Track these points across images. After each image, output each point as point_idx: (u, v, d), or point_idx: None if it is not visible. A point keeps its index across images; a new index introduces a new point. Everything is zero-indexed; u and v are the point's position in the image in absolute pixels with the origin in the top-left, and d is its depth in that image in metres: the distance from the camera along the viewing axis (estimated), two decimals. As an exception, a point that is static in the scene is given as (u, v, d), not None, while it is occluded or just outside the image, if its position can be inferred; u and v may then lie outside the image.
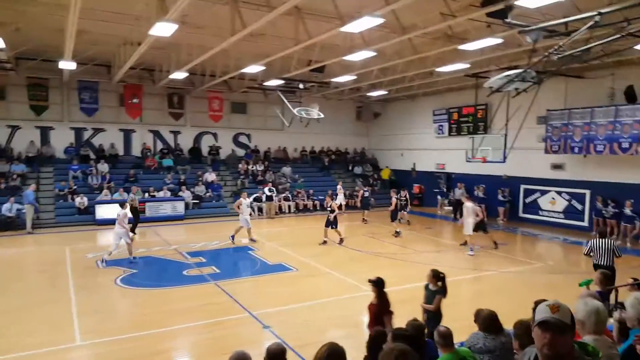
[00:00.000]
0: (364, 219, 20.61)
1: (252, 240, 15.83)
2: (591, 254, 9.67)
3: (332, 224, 15.76)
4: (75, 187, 20.44)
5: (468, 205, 14.69)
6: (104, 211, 19.35)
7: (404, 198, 19.27)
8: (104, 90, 22.49)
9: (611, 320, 4.87)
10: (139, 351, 7.32)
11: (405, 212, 19.38)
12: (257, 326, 8.24)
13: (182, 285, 10.89)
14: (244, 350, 3.99)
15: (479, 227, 14.75)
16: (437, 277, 6.72)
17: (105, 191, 20.33)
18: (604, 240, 9.69)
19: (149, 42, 13.14)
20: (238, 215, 16.09)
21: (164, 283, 11.17)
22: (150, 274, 12.29)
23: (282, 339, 7.26)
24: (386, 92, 24.39)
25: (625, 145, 15.99)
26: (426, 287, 6.86)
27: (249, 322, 8.48)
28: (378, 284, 6.26)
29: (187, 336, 8.19)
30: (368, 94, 25.15)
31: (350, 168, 29.10)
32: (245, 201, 16.08)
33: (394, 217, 17.69)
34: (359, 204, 21.77)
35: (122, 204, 13.78)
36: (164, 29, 11.47)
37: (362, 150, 30.94)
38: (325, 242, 15.63)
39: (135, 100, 23.04)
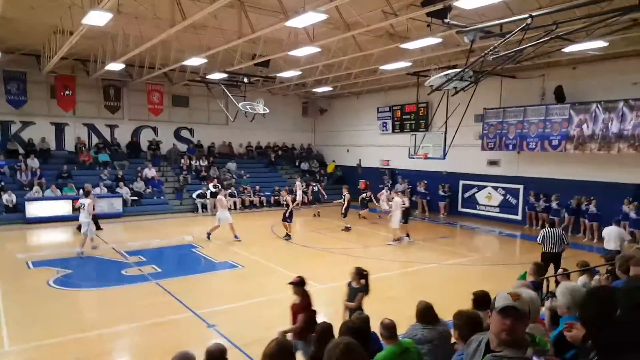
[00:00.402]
0: (314, 213, 21.16)
1: (208, 235, 15.40)
2: (542, 242, 10.33)
3: (287, 218, 15.90)
4: (2, 183, 19.16)
5: (397, 200, 15.25)
6: (35, 209, 18.35)
7: (368, 197, 19.97)
8: (32, 81, 21.17)
9: (543, 309, 5.15)
10: (74, 355, 6.96)
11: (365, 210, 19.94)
12: (201, 325, 8.08)
13: (120, 285, 10.49)
14: (187, 350, 3.91)
15: (404, 217, 15.32)
16: (360, 274, 6.65)
17: (36, 188, 19.18)
18: (553, 229, 10.46)
19: (82, 32, 12.50)
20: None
21: (101, 283, 10.73)
22: (86, 274, 11.75)
23: (227, 338, 7.19)
24: (331, 89, 24.60)
25: (554, 142, 16.96)
26: (349, 284, 6.80)
27: (193, 321, 8.30)
28: (299, 284, 6.08)
29: (127, 338, 7.90)
30: (314, 90, 25.23)
31: (297, 164, 29.09)
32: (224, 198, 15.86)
33: (345, 213, 17.87)
34: (309, 199, 22.26)
35: (86, 194, 13.91)
36: (97, 18, 10.96)
37: (308, 146, 31.00)
38: (288, 235, 15.86)
39: (67, 92, 21.88)
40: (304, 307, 5.91)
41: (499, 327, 2.36)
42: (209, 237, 15.30)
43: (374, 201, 20.24)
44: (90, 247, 13.40)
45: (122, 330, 8.02)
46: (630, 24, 10.81)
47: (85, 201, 13.37)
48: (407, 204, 15.52)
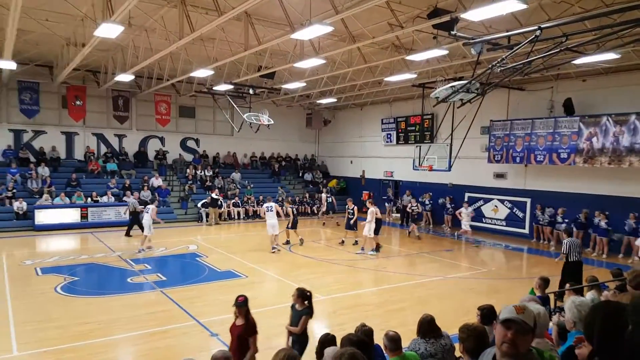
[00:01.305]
0: (324, 222, 21.99)
1: (273, 248, 15.19)
2: (569, 252, 10.29)
3: (293, 225, 16.23)
4: (14, 191, 19.38)
5: (372, 210, 15.23)
6: (44, 216, 18.57)
7: (416, 207, 19.01)
8: (45, 91, 21.55)
9: (551, 324, 5.07)
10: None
11: (415, 226, 18.97)
12: (204, 334, 8.06)
13: (126, 293, 10.51)
14: (192, 358, 3.90)
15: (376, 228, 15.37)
16: (304, 296, 6.17)
17: (45, 196, 19.39)
18: (574, 239, 10.56)
19: (94, 44, 12.69)
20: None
21: (107, 291, 10.74)
22: (93, 281, 11.85)
23: (229, 347, 7.12)
24: (335, 100, 24.68)
25: (563, 155, 16.78)
26: (292, 307, 6.28)
27: (196, 330, 8.28)
28: (244, 305, 5.56)
29: (131, 345, 7.88)
30: (318, 101, 25.34)
31: (300, 174, 29.13)
32: (265, 205, 15.80)
33: (350, 226, 16.94)
34: (324, 209, 22.92)
35: (152, 200, 16.63)
36: (109, 31, 11.08)
37: (312, 156, 31.07)
38: (288, 241, 16.26)
39: (78, 103, 22.20)
40: (249, 329, 5.47)
41: (500, 338, 2.36)
42: (275, 249, 15.34)
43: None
44: (147, 247, 14.86)
45: (127, 337, 8.01)
46: (641, 36, 10.73)
47: (149, 207, 15.19)
48: (379, 215, 15.45)
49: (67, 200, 19.53)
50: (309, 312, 6.12)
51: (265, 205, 15.82)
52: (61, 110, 22.37)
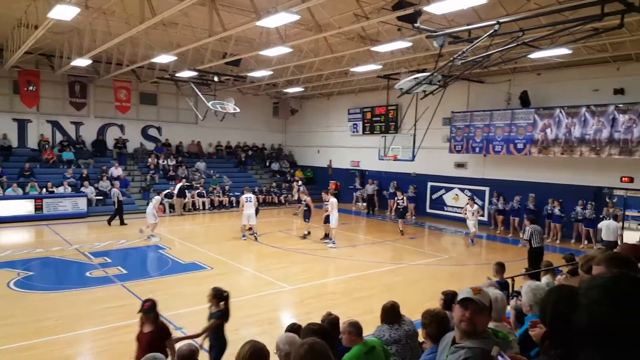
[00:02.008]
0: (296, 212, 21.40)
1: (253, 235, 15.60)
2: (530, 238, 10.72)
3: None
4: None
5: (333, 200, 15.31)
6: (-6, 208, 17.64)
7: (402, 201, 18.15)
8: (-6, 75, 20.45)
9: (508, 308, 5.30)
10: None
11: (402, 220, 18.01)
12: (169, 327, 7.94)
13: (84, 288, 10.21)
14: (155, 353, 3.86)
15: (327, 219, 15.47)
16: (220, 297, 5.63)
17: (-5, 187, 18.50)
18: (537, 225, 10.96)
19: (48, 26, 12.14)
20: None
21: (65, 286, 10.41)
22: (49, 276, 11.44)
23: (194, 340, 7.07)
24: (302, 89, 24.61)
25: (520, 146, 17.42)
26: (210, 308, 5.88)
27: (160, 323, 8.15)
28: (151, 310, 5.06)
29: (92, 341, 7.70)
30: (285, 90, 25.18)
31: (267, 164, 28.96)
32: (244, 196, 15.72)
33: (306, 216, 16.88)
34: (297, 197, 22.53)
35: (158, 192, 17.27)
36: (64, 12, 10.63)
37: (279, 146, 30.90)
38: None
39: (31, 88, 21.16)
40: (162, 333, 5.05)
41: (459, 317, 2.47)
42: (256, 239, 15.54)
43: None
44: (142, 229, 15.39)
45: (86, 333, 7.82)
46: (591, 33, 11.22)
47: (155, 198, 15.95)
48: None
49: (20, 192, 18.71)
50: (220, 315, 5.57)
51: (244, 196, 15.74)
52: (12, 96, 21.24)
